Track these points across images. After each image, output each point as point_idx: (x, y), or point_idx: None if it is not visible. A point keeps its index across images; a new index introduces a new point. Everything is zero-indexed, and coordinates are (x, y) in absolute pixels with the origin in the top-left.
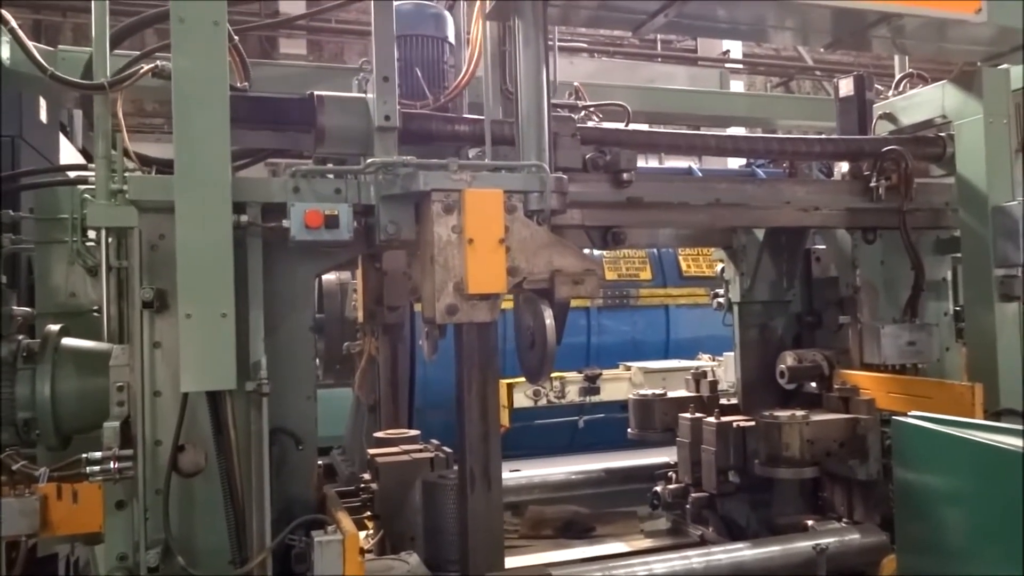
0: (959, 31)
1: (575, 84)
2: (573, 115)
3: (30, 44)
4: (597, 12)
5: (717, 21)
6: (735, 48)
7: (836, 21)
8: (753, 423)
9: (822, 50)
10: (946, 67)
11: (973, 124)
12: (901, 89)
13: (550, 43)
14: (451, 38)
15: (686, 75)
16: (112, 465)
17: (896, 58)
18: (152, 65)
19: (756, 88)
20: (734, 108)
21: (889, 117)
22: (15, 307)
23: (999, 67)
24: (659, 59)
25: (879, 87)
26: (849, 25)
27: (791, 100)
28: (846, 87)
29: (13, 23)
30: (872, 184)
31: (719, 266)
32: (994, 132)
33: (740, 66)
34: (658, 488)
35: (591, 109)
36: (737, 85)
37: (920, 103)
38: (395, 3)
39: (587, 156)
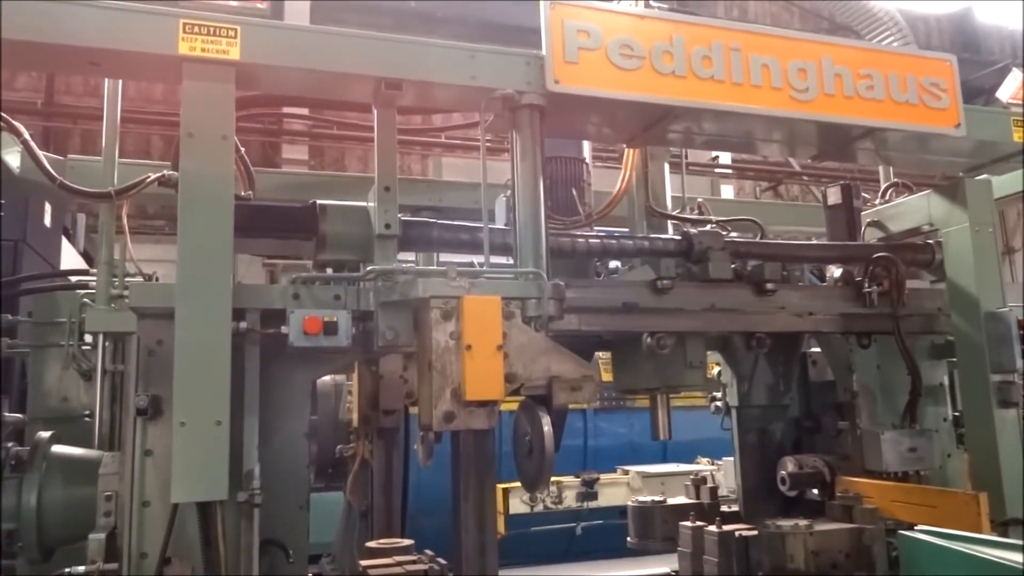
0: (940, 144)
1: (699, 200)
2: (721, 230)
3: (40, 154)
4: (591, 126)
5: (706, 134)
6: (724, 153)
7: (822, 135)
8: (756, 532)
9: (809, 160)
10: (930, 175)
11: (960, 232)
12: (887, 198)
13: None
14: (587, 158)
15: (677, 181)
16: None
17: (881, 167)
18: (160, 174)
19: (745, 192)
20: (725, 214)
21: (877, 225)
22: (6, 413)
23: (981, 177)
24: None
25: (866, 195)
26: (834, 138)
27: (781, 207)
28: (834, 196)
29: (26, 135)
30: (865, 290)
31: (716, 369)
32: (981, 240)
33: (729, 171)
34: None
35: (720, 223)
36: (727, 189)
37: (907, 212)
38: None
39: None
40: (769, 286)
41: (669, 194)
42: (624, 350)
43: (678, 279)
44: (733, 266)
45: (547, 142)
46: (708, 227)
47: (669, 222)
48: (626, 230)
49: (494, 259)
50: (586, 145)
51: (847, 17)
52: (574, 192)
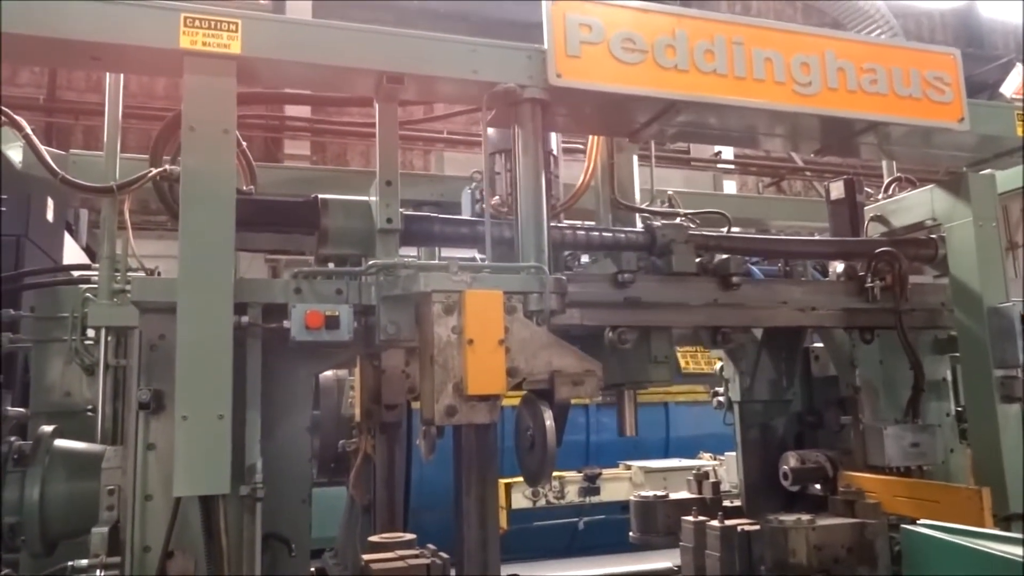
0: (944, 138)
1: (669, 192)
2: (690, 223)
3: (42, 148)
4: (593, 120)
5: (710, 128)
6: (727, 149)
7: (824, 129)
8: (758, 527)
9: (812, 154)
10: (933, 170)
11: (963, 227)
12: (890, 192)
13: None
14: (555, 151)
15: (680, 177)
16: (98, 574)
17: (884, 162)
18: (161, 169)
19: (748, 187)
20: (728, 209)
21: (880, 219)
22: (9, 407)
23: (984, 171)
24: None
25: (869, 190)
26: (837, 133)
27: (784, 202)
28: (837, 190)
29: (28, 129)
30: (867, 285)
31: (718, 364)
32: (984, 235)
33: (732, 167)
34: None
35: (688, 216)
36: (729, 185)
37: (910, 206)
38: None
39: (697, 260)
40: (735, 280)
41: (638, 187)
42: (589, 345)
43: (641, 272)
44: (699, 260)
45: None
46: (678, 220)
47: (637, 215)
48: (592, 223)
49: (463, 253)
50: (554, 137)
51: (838, 13)
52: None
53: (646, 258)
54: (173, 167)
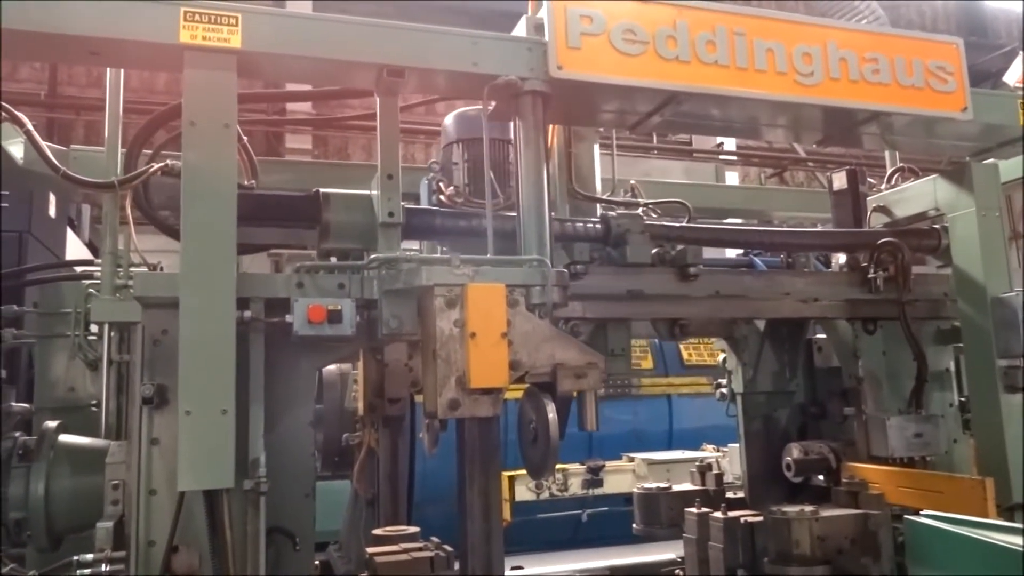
0: (947, 128)
1: (631, 182)
2: (643, 213)
3: (44, 145)
4: (595, 112)
5: (711, 120)
6: (729, 140)
7: (827, 119)
8: (761, 519)
9: (814, 145)
10: (936, 160)
11: (966, 217)
12: (893, 183)
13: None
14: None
15: (682, 168)
16: (104, 568)
17: (887, 152)
18: (162, 164)
19: (750, 178)
20: (730, 200)
21: (883, 210)
22: (13, 403)
23: (987, 161)
24: (655, 152)
25: (871, 180)
26: (840, 123)
27: (786, 193)
28: (839, 181)
29: (29, 125)
30: (870, 276)
31: (721, 356)
32: (987, 224)
33: (734, 158)
34: None
35: (650, 206)
36: (731, 176)
37: (913, 196)
38: (465, 108)
39: (653, 251)
40: (692, 271)
41: (599, 176)
42: None
43: (595, 263)
44: (656, 251)
45: (476, 124)
46: (640, 210)
47: (598, 206)
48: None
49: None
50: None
51: (827, 11)
52: (491, 174)
53: (601, 249)
54: (174, 162)
